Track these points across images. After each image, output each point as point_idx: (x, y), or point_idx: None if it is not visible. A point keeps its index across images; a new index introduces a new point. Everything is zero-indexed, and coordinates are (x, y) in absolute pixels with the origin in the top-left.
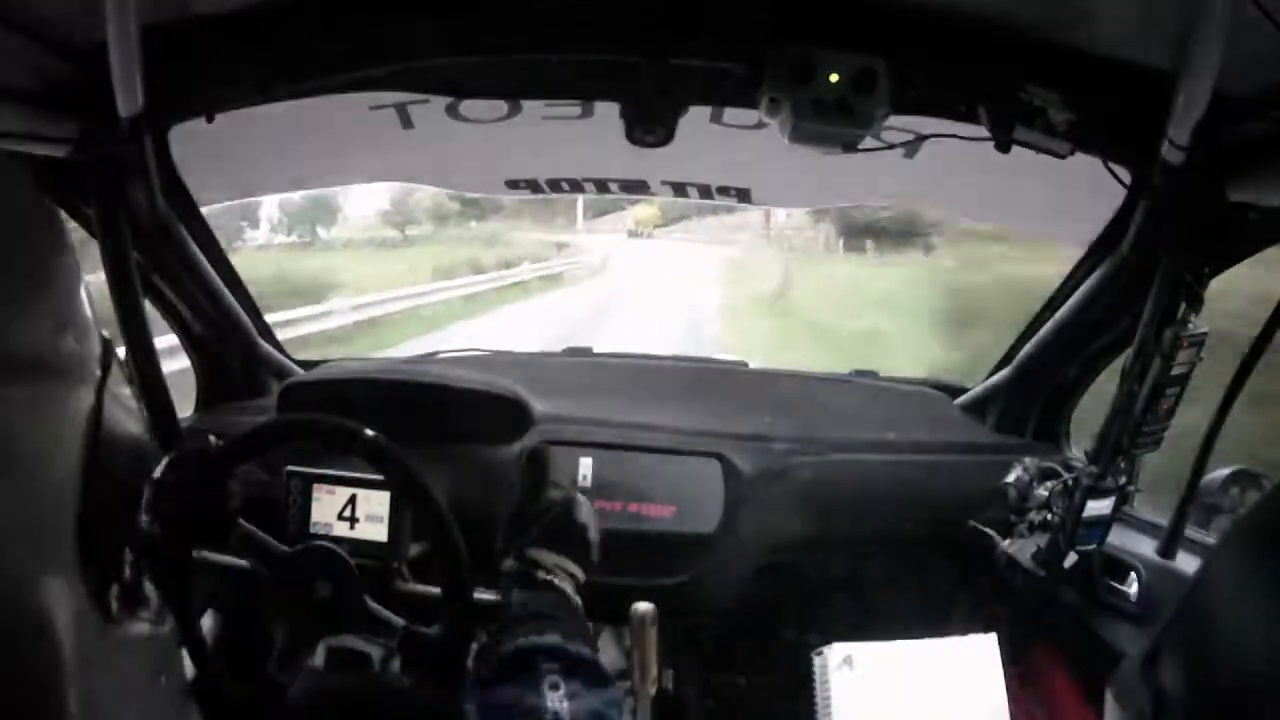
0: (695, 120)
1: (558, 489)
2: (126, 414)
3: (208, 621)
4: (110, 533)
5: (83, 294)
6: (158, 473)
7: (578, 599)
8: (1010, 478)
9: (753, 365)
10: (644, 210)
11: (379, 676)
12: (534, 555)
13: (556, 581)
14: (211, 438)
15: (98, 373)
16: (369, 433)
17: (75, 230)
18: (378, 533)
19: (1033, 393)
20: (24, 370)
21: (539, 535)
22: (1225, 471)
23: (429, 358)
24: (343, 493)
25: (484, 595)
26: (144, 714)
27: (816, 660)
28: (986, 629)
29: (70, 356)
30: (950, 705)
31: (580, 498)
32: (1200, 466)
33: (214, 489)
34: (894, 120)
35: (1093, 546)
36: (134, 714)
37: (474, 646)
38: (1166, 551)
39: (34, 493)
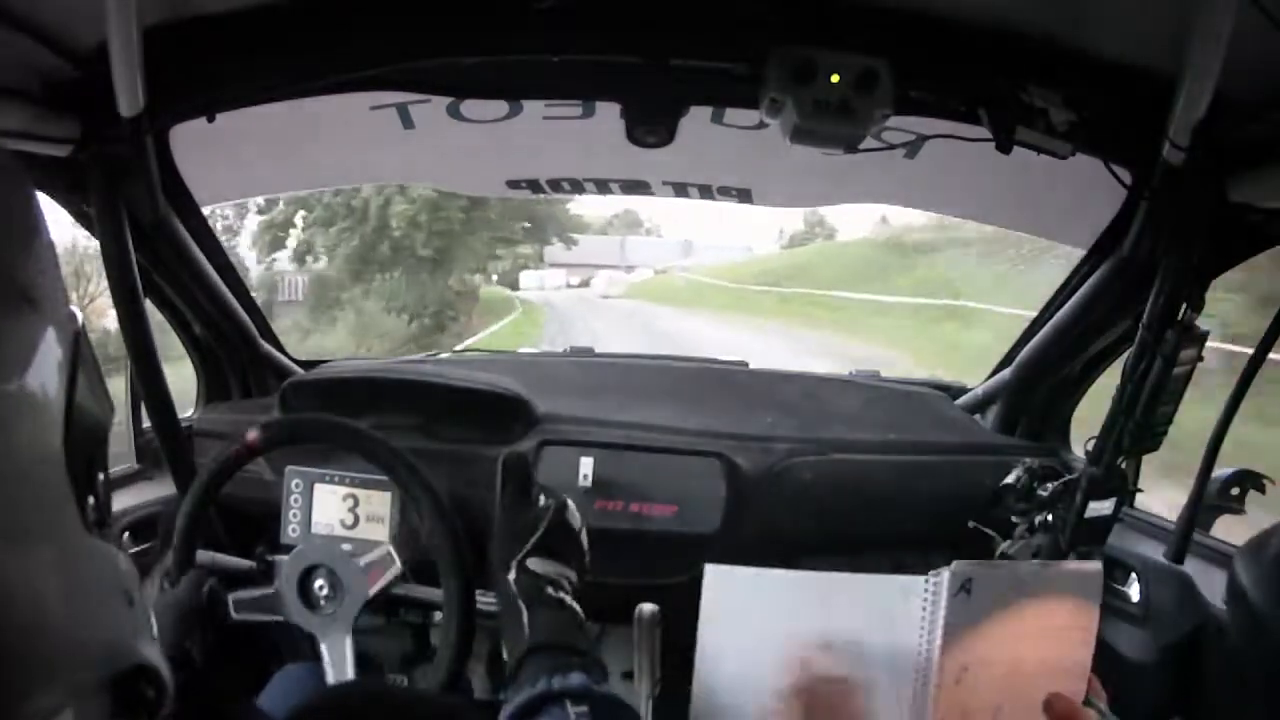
0: (696, 120)
1: (545, 494)
2: (89, 394)
3: None
4: (85, 473)
5: (54, 271)
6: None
7: (581, 613)
8: (1011, 478)
9: (753, 365)
10: None
11: (381, 677)
12: (535, 568)
13: (567, 600)
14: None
15: (69, 354)
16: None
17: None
18: (378, 533)
19: (1033, 393)
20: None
21: (536, 545)
22: (1227, 472)
23: (430, 357)
24: (344, 493)
25: (486, 599)
26: (117, 622)
27: (929, 584)
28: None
29: (39, 327)
30: (1048, 632)
31: (568, 501)
32: (1207, 469)
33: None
34: (895, 121)
35: (1094, 548)
36: (109, 618)
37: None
38: (1176, 555)
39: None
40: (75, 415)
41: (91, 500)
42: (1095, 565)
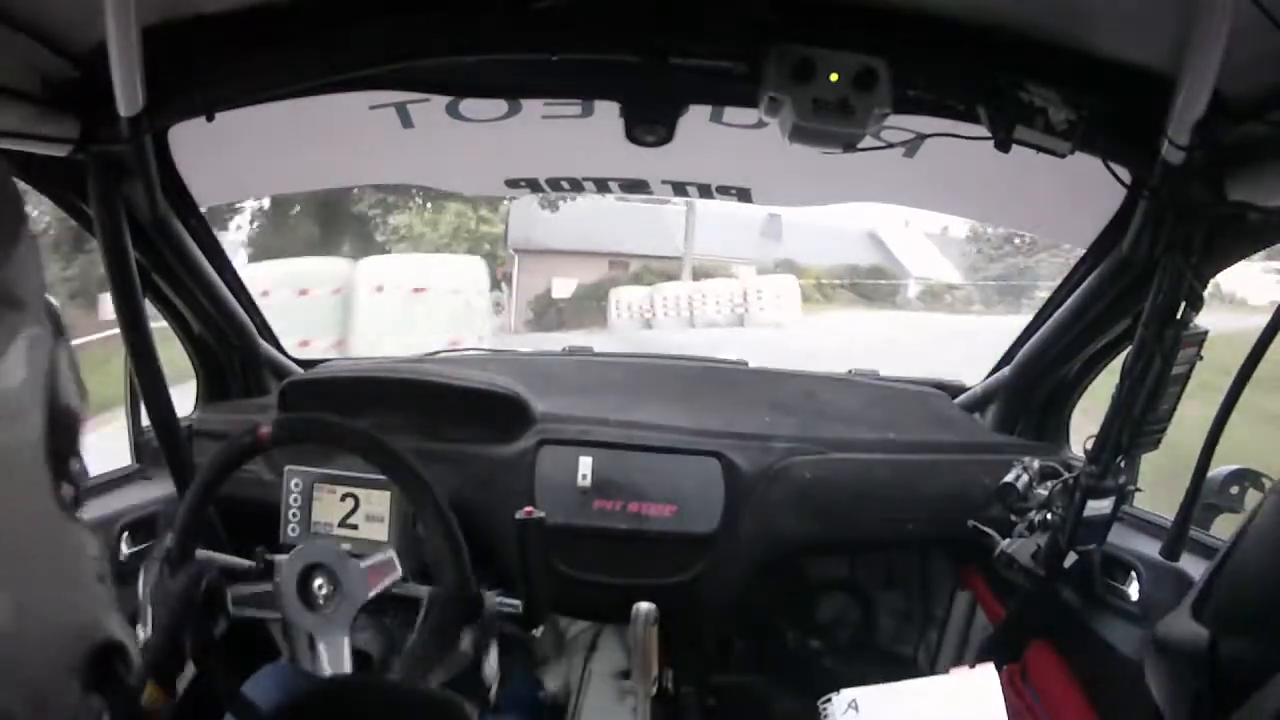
0: (695, 119)
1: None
2: (70, 387)
3: None
4: (62, 459)
5: (36, 269)
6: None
7: None
8: (1010, 477)
9: (752, 365)
10: None
11: (378, 675)
12: None
13: None
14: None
15: (49, 349)
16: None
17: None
18: (378, 533)
19: (1033, 392)
20: None
21: None
22: (1226, 470)
23: (429, 357)
24: (343, 493)
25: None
26: (90, 600)
27: (824, 708)
28: (987, 628)
29: (17, 324)
30: None
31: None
32: (1203, 467)
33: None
34: (894, 120)
35: (1093, 546)
36: (84, 598)
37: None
38: (1171, 553)
39: None
40: (54, 407)
41: (67, 487)
42: (988, 669)
